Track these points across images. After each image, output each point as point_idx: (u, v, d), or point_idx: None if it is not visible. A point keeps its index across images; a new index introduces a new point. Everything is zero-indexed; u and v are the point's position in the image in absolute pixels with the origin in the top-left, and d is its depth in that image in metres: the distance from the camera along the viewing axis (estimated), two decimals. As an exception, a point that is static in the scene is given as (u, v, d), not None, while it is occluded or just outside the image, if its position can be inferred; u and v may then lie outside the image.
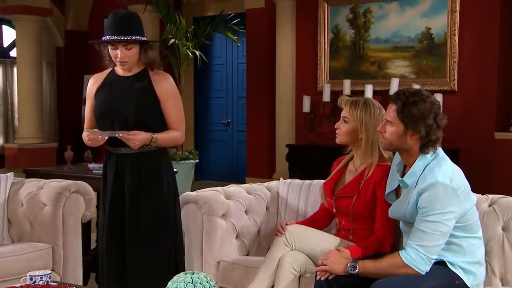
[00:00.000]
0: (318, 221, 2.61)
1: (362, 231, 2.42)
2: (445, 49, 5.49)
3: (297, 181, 3.00)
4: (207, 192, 2.87)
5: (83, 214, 3.15)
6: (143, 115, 2.56)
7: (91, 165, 4.10)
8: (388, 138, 2.18)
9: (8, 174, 3.27)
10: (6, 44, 8.76)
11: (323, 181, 2.67)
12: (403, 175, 2.21)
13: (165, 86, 2.60)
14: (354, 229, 2.45)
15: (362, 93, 5.60)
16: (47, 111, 8.35)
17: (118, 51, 2.51)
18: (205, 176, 7.72)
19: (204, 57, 6.69)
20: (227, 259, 2.76)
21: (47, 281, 2.13)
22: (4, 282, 2.73)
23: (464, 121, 5.32)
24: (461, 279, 2.10)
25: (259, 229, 2.92)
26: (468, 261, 2.12)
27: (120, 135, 2.48)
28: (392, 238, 2.36)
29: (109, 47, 2.54)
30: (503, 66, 5.37)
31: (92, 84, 2.67)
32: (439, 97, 5.12)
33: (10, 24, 8.22)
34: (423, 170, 2.12)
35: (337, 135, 2.51)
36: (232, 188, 2.98)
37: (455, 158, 4.69)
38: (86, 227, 3.62)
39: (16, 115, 8.23)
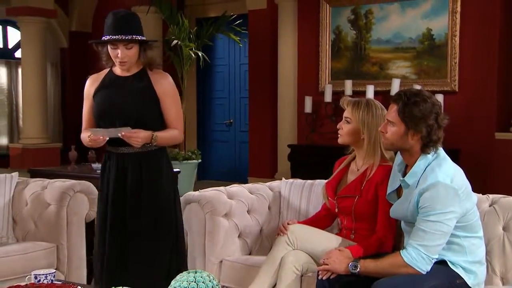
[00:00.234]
0: (320, 220, 2.61)
1: (364, 230, 2.42)
2: (446, 50, 5.48)
3: (299, 181, 3.00)
4: (210, 192, 2.87)
5: (87, 213, 3.16)
6: (145, 114, 2.56)
7: (94, 165, 4.11)
8: (390, 138, 2.18)
9: (13, 174, 3.27)
10: (11, 45, 8.78)
11: (325, 181, 2.67)
12: (404, 175, 2.21)
13: (164, 85, 2.61)
14: (356, 228, 2.45)
15: (363, 93, 5.60)
16: (51, 112, 8.36)
17: (119, 51, 2.51)
18: (207, 176, 7.72)
19: (207, 58, 6.69)
20: (229, 258, 2.76)
21: (52, 280, 2.13)
22: (9, 281, 2.74)
23: (465, 122, 5.31)
24: (462, 278, 2.09)
25: (261, 229, 2.92)
26: (469, 261, 2.11)
27: (123, 133, 2.48)
28: (393, 238, 2.36)
29: (109, 47, 2.53)
30: (504, 66, 5.36)
31: (90, 84, 2.66)
32: (440, 97, 5.11)
33: (15, 25, 8.23)
34: (424, 170, 2.12)
35: (339, 136, 2.51)
36: (235, 188, 2.98)
37: (455, 158, 4.68)
38: (90, 226, 3.62)
39: (20, 115, 8.24)
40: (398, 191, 2.27)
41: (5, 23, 8.57)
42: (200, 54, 6.51)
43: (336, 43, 6.15)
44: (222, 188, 2.94)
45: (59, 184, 3.19)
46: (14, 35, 8.67)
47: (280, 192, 2.99)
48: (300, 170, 5.78)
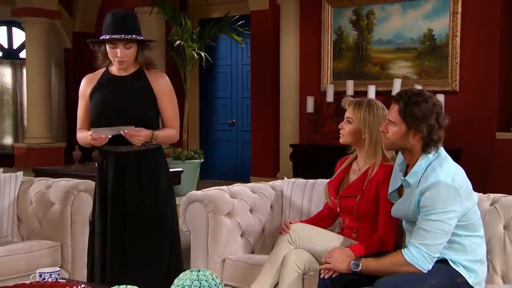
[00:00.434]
0: (322, 220, 2.61)
1: (366, 230, 2.42)
2: (447, 50, 5.47)
3: (301, 180, 3.00)
4: (213, 191, 2.88)
5: (91, 212, 3.16)
6: (145, 113, 2.58)
7: (98, 165, 4.10)
8: (391, 138, 2.18)
9: (18, 173, 3.28)
10: (15, 45, 8.80)
11: (326, 180, 2.67)
12: (405, 174, 2.20)
13: (162, 84, 2.62)
14: (358, 228, 2.45)
15: (365, 93, 5.59)
16: (55, 112, 8.38)
17: (118, 50, 2.51)
18: (210, 175, 7.72)
19: (209, 58, 6.69)
20: (232, 257, 2.76)
21: (56, 278, 2.14)
22: (15, 279, 2.75)
23: (466, 121, 5.31)
24: (463, 277, 2.09)
25: (263, 228, 2.92)
26: (470, 259, 2.11)
27: (126, 131, 2.48)
28: (394, 237, 2.36)
29: (108, 46, 2.53)
30: (504, 67, 5.36)
31: (86, 84, 2.65)
32: (441, 97, 5.11)
33: (19, 26, 8.25)
34: (425, 170, 2.11)
35: (341, 135, 2.51)
36: (237, 187, 2.98)
37: (456, 158, 4.67)
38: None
39: (25, 115, 8.26)
40: (400, 191, 2.27)
41: (10, 24, 8.59)
42: (202, 55, 6.51)
43: (337, 43, 6.14)
44: (224, 187, 2.94)
45: (63, 183, 3.20)
46: (18, 36, 8.68)
47: (282, 192, 2.99)
48: (302, 169, 5.78)
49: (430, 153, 2.13)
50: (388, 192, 2.31)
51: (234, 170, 7.67)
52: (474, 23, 5.36)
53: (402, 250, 2.09)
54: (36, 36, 7.35)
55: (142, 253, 2.57)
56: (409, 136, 2.13)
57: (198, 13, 7.70)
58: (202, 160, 6.63)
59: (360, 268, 2.12)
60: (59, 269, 2.21)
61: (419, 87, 5.01)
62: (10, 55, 8.69)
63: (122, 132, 2.48)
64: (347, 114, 2.49)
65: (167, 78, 2.66)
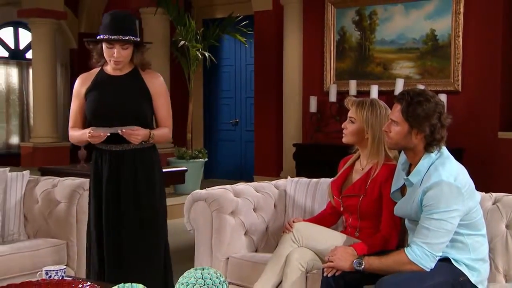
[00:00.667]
0: (326, 218, 2.61)
1: (369, 229, 2.42)
2: (449, 50, 5.46)
3: (304, 179, 3.00)
4: (217, 190, 2.88)
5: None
6: (141, 112, 2.60)
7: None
8: (393, 137, 2.17)
9: (24, 172, 3.29)
10: (22, 46, 8.82)
11: (329, 179, 2.67)
12: (408, 173, 2.20)
13: (157, 84, 2.65)
14: (361, 226, 2.44)
15: (367, 93, 5.59)
16: (61, 111, 8.39)
17: (115, 51, 2.52)
18: (214, 174, 7.72)
19: (213, 58, 6.70)
20: (236, 255, 2.76)
21: (62, 276, 2.14)
22: (21, 277, 2.76)
23: (468, 121, 5.29)
24: (465, 275, 2.09)
25: (267, 226, 2.92)
26: (472, 258, 2.10)
27: (124, 130, 2.50)
28: (397, 236, 2.35)
29: (105, 46, 2.55)
30: (506, 66, 5.34)
31: (81, 84, 2.66)
32: (443, 97, 5.10)
33: (26, 27, 8.27)
34: (428, 169, 2.11)
35: (343, 135, 2.50)
36: (241, 186, 2.98)
37: (459, 157, 4.65)
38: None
39: (31, 115, 8.28)
40: (402, 190, 2.26)
41: (17, 24, 8.62)
42: (206, 55, 6.52)
43: (340, 43, 6.14)
44: (228, 186, 2.94)
45: (69, 182, 3.21)
46: (25, 37, 8.71)
47: (286, 191, 2.99)
48: (305, 168, 5.78)
49: (432, 153, 2.13)
50: (391, 191, 2.30)
51: (237, 169, 7.67)
52: (476, 23, 5.35)
53: (405, 248, 2.08)
54: (42, 37, 7.37)
55: (140, 251, 2.58)
56: (411, 135, 2.12)
57: (202, 13, 7.71)
58: (206, 159, 6.63)
59: (363, 266, 2.12)
60: (65, 267, 2.21)
61: (421, 87, 5.00)
62: (17, 56, 8.71)
63: (120, 131, 2.50)
64: (350, 114, 2.49)
65: (161, 79, 2.69)
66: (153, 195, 2.62)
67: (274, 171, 6.59)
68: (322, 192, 2.83)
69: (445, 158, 2.13)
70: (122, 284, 1.80)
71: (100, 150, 2.62)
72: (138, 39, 2.58)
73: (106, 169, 2.59)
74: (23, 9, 7.43)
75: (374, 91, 5.59)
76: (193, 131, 7.10)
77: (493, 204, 2.42)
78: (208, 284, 1.74)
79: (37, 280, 2.07)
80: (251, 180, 5.81)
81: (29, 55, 8.41)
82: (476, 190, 2.16)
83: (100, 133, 2.50)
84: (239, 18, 6.65)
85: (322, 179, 2.91)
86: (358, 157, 2.54)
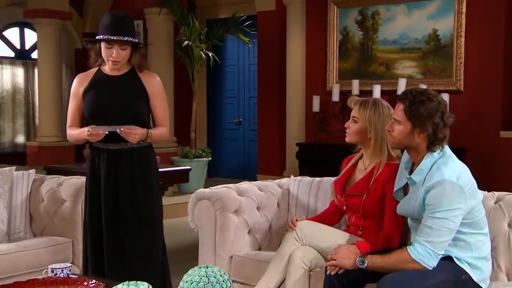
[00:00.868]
0: (328, 217, 2.61)
1: (371, 227, 2.42)
2: (451, 50, 5.45)
3: (307, 178, 3.00)
4: (220, 189, 2.88)
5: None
6: (139, 111, 2.62)
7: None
8: (396, 136, 2.17)
9: (30, 171, 3.30)
10: (27, 46, 8.84)
11: (332, 178, 2.67)
12: (411, 172, 2.20)
13: (154, 84, 2.67)
14: (364, 225, 2.44)
15: (370, 93, 5.58)
16: (66, 111, 8.41)
17: (114, 51, 2.54)
18: (217, 173, 7.73)
19: (217, 58, 6.70)
20: (239, 253, 2.76)
21: (68, 274, 2.15)
22: (27, 274, 2.76)
23: (470, 120, 5.28)
24: (468, 274, 2.08)
25: (270, 225, 2.92)
26: (475, 257, 2.10)
27: (122, 129, 2.51)
28: (400, 234, 2.35)
29: (104, 46, 2.56)
30: (508, 66, 5.32)
31: (78, 84, 2.68)
32: (445, 97, 5.08)
33: (31, 27, 8.29)
34: (431, 168, 2.11)
35: (346, 134, 2.50)
36: (244, 185, 2.99)
37: (461, 157, 4.64)
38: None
39: (37, 114, 8.30)
40: (405, 189, 2.26)
41: (23, 25, 8.64)
42: (210, 55, 6.52)
43: (343, 43, 6.13)
44: (232, 185, 2.94)
45: (74, 181, 3.22)
46: (30, 37, 8.73)
47: (289, 189, 2.99)
48: (308, 167, 5.77)
49: (435, 152, 2.12)
50: (394, 190, 2.30)
51: (241, 168, 7.67)
52: (478, 23, 5.33)
53: (408, 247, 2.08)
54: (48, 37, 7.38)
55: (138, 249, 2.60)
56: (414, 134, 2.12)
57: (205, 14, 7.71)
58: (210, 158, 6.64)
59: (365, 265, 2.12)
60: (70, 264, 2.22)
61: (424, 86, 4.99)
62: (22, 56, 8.74)
63: (118, 130, 2.51)
64: (353, 114, 2.49)
65: (158, 79, 2.71)
66: (150, 193, 2.65)
67: (277, 170, 6.59)
68: (325, 191, 2.83)
69: (448, 157, 2.12)
70: (127, 282, 1.81)
71: (98, 149, 2.64)
72: (136, 40, 2.60)
73: (104, 168, 2.61)
74: (28, 9, 7.44)
75: (377, 91, 5.58)
76: (197, 131, 7.10)
77: (495, 203, 2.41)
78: (212, 282, 1.74)
79: (43, 278, 2.07)
80: (254, 179, 5.80)
81: (34, 55, 8.44)
82: (478, 189, 2.16)
83: (99, 131, 2.52)
84: (243, 18, 6.65)
85: (325, 178, 2.91)
86: (361, 157, 2.54)
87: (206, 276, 1.75)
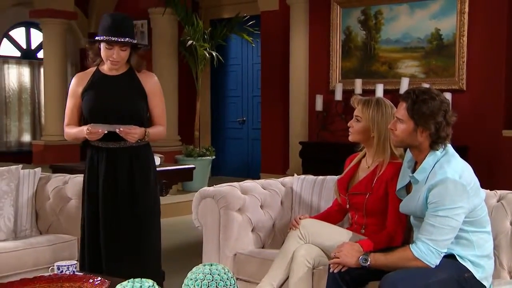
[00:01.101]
0: (332, 215, 2.60)
1: (374, 226, 2.41)
2: (454, 50, 5.43)
3: (311, 177, 2.99)
4: (224, 187, 2.88)
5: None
6: (138, 111, 2.63)
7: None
8: (399, 135, 2.16)
9: (36, 169, 3.31)
10: (33, 46, 8.87)
11: (335, 177, 2.66)
12: (413, 171, 2.19)
13: (152, 84, 2.68)
14: (367, 224, 2.44)
15: (373, 92, 5.57)
16: (71, 110, 8.43)
17: (114, 52, 2.55)
18: (221, 172, 7.73)
19: (221, 58, 6.70)
20: (243, 251, 2.76)
21: (73, 271, 2.15)
22: (33, 272, 2.78)
23: (473, 119, 5.26)
24: (470, 272, 2.08)
25: (274, 223, 2.92)
26: (477, 255, 2.09)
27: (121, 129, 2.52)
28: (403, 233, 2.34)
29: (104, 47, 2.57)
30: (511, 65, 5.30)
31: (77, 83, 2.68)
32: (448, 96, 5.07)
33: (37, 27, 8.31)
34: (433, 166, 2.10)
35: (349, 133, 2.50)
36: (248, 183, 2.99)
37: (464, 155, 4.62)
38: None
39: (42, 113, 8.32)
40: (408, 187, 2.25)
41: (29, 25, 8.66)
42: (214, 54, 6.52)
43: (346, 43, 6.12)
44: (236, 183, 2.94)
45: (79, 179, 3.21)
46: (36, 37, 8.75)
47: (292, 188, 2.99)
48: (311, 166, 5.77)
49: (438, 150, 2.12)
50: (397, 189, 2.30)
51: (244, 167, 7.67)
52: (481, 23, 5.31)
53: (410, 245, 2.08)
54: (53, 37, 7.40)
55: (139, 244, 2.61)
56: (417, 133, 2.11)
57: (209, 13, 7.71)
58: (214, 157, 6.64)
59: (368, 262, 2.12)
60: (76, 262, 2.23)
61: (426, 85, 4.97)
62: (28, 55, 8.76)
63: (117, 130, 2.52)
64: (356, 113, 2.48)
65: (156, 78, 2.73)
66: (149, 191, 2.66)
67: (281, 169, 6.59)
68: (328, 190, 2.82)
69: (450, 156, 2.12)
70: (131, 279, 1.81)
71: (96, 148, 2.65)
72: (135, 41, 2.61)
73: (103, 166, 2.62)
74: (34, 9, 7.46)
75: (380, 90, 5.57)
76: (201, 129, 7.11)
77: (498, 201, 2.41)
78: (216, 279, 1.74)
79: (49, 275, 2.08)
80: (258, 178, 5.80)
81: (40, 54, 8.46)
82: (481, 188, 2.15)
83: (98, 130, 2.53)
84: (246, 18, 6.64)
85: (328, 177, 2.90)
86: (364, 155, 2.53)
87: (210, 274, 1.75)
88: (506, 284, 2.21)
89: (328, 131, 6.19)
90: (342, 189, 2.53)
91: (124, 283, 1.74)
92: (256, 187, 2.94)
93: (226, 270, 1.79)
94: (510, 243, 2.31)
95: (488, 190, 2.42)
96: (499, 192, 2.45)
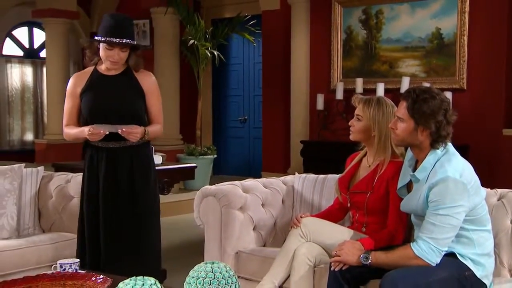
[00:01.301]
0: (333, 214, 2.60)
1: (375, 224, 2.41)
2: (454, 49, 5.43)
3: (312, 175, 2.99)
4: (226, 186, 2.88)
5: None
6: (137, 110, 2.64)
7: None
8: (400, 134, 2.16)
9: (39, 168, 3.31)
10: (36, 45, 8.88)
11: (336, 175, 2.66)
12: (414, 170, 2.19)
13: (150, 83, 2.69)
14: (368, 222, 2.44)
15: (374, 91, 5.56)
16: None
17: (115, 53, 2.55)
18: (222, 171, 7.73)
19: (222, 57, 6.70)
20: (244, 250, 2.76)
21: (76, 269, 2.16)
22: (36, 269, 2.78)
23: (473, 118, 5.26)
24: (471, 270, 2.07)
25: (275, 222, 2.92)
26: (478, 253, 2.09)
27: (124, 129, 2.52)
28: (404, 231, 2.34)
29: (105, 47, 2.57)
30: (511, 65, 5.29)
31: (75, 84, 2.68)
32: (448, 95, 5.06)
33: (40, 26, 8.32)
34: (434, 165, 2.10)
35: (351, 132, 2.49)
36: (250, 182, 2.98)
37: (464, 154, 4.60)
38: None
39: (45, 112, 8.33)
40: (409, 186, 2.25)
41: (31, 24, 8.67)
42: (215, 53, 6.52)
43: (347, 42, 6.11)
44: (237, 182, 2.94)
45: (81, 177, 3.22)
46: (39, 36, 8.76)
47: (294, 186, 2.99)
48: (312, 165, 5.77)
49: (438, 149, 2.11)
50: (397, 187, 2.30)
51: (245, 166, 7.67)
52: (481, 22, 5.31)
53: (411, 244, 2.08)
54: (56, 36, 7.41)
55: (139, 244, 2.61)
56: (417, 132, 2.11)
57: (211, 13, 7.70)
58: (215, 156, 6.64)
59: (369, 261, 2.11)
60: (78, 260, 2.23)
61: (427, 85, 4.96)
62: (31, 55, 8.77)
63: (119, 131, 2.52)
64: (357, 112, 2.48)
65: (153, 77, 2.74)
66: (149, 191, 2.66)
67: (282, 168, 6.58)
68: (329, 188, 2.82)
69: (451, 155, 2.11)
70: (134, 277, 1.81)
71: (96, 148, 2.65)
72: (135, 42, 2.62)
73: (103, 166, 2.62)
74: (37, 9, 7.47)
75: (380, 89, 5.57)
76: (202, 128, 7.11)
77: (498, 200, 2.40)
78: (218, 277, 1.74)
79: (52, 273, 2.08)
80: (259, 177, 5.80)
81: (43, 54, 8.46)
82: (481, 186, 2.15)
83: (100, 131, 2.53)
84: (247, 17, 6.64)
85: (329, 175, 2.90)
86: (365, 154, 2.53)
87: (212, 272, 1.75)
88: (507, 282, 2.21)
89: (329, 130, 6.18)
90: (343, 188, 2.53)
91: (126, 281, 1.74)
92: (257, 186, 2.94)
93: (228, 268, 1.79)
94: (511, 242, 2.31)
95: (489, 189, 2.42)
96: (499, 190, 2.45)
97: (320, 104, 6.10)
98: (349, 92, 5.72)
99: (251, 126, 7.71)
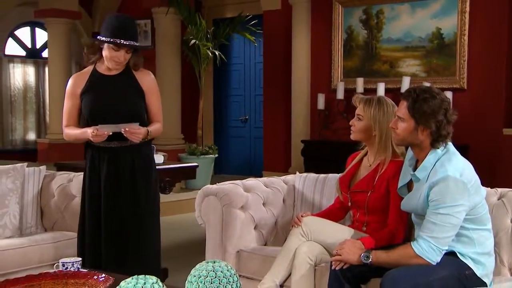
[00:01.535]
0: (333, 213, 2.60)
1: (376, 223, 2.41)
2: (455, 49, 5.42)
3: (313, 175, 2.99)
4: (227, 185, 2.88)
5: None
6: (138, 110, 2.64)
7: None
8: (400, 134, 2.16)
9: (41, 167, 3.32)
10: (38, 45, 8.88)
11: (337, 175, 2.66)
12: (415, 169, 2.19)
13: (149, 82, 2.69)
14: (368, 221, 2.44)
15: (374, 91, 5.56)
16: (76, 109, 8.44)
17: (121, 54, 2.55)
18: (224, 170, 7.73)
19: (223, 57, 6.70)
20: (246, 248, 2.76)
21: (78, 268, 2.16)
22: (39, 268, 2.78)
23: (473, 118, 5.26)
24: (471, 269, 2.07)
25: (276, 221, 2.92)
26: (478, 252, 2.09)
27: (127, 129, 2.53)
28: (404, 231, 2.34)
29: (110, 48, 2.56)
30: (511, 64, 5.29)
31: (74, 84, 2.68)
32: (449, 94, 5.06)
33: (42, 26, 8.33)
34: (434, 165, 2.10)
35: (351, 132, 2.50)
36: (251, 181, 2.99)
37: (464, 154, 4.60)
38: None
39: (47, 112, 8.34)
40: (409, 185, 2.25)
41: (34, 24, 8.68)
42: (217, 53, 6.52)
43: (348, 42, 6.11)
44: (238, 181, 2.94)
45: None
46: (41, 36, 8.77)
47: (294, 186, 2.99)
48: (312, 164, 5.77)
49: (438, 148, 2.11)
50: (398, 187, 2.29)
51: (247, 165, 7.67)
52: (481, 22, 5.30)
53: (411, 242, 2.08)
54: (58, 36, 7.42)
55: (139, 243, 2.61)
56: (418, 131, 2.11)
57: (212, 13, 7.70)
58: (216, 155, 6.65)
59: (370, 260, 2.12)
60: (80, 259, 2.23)
61: (427, 84, 4.96)
62: (33, 55, 8.78)
63: (122, 130, 2.52)
64: (357, 111, 2.48)
65: (152, 76, 2.74)
66: (150, 190, 2.66)
67: (283, 167, 6.58)
68: (330, 187, 2.82)
69: (451, 154, 2.11)
70: (135, 276, 1.81)
71: (97, 148, 2.64)
72: (138, 44, 2.62)
73: (105, 166, 2.62)
74: (39, 9, 7.48)
75: (381, 89, 5.57)
76: (204, 128, 7.11)
77: (498, 199, 2.40)
78: (219, 276, 1.74)
79: (54, 272, 2.08)
80: (260, 176, 5.80)
81: (45, 54, 8.47)
82: (481, 186, 2.15)
83: (104, 132, 2.53)
84: (249, 17, 6.64)
85: (330, 175, 2.90)
86: (366, 154, 2.53)
87: (213, 271, 1.75)
88: (507, 281, 2.21)
89: (329, 129, 6.18)
90: (344, 187, 2.53)
91: (128, 279, 1.74)
92: (258, 185, 2.94)
93: (229, 267, 1.79)
94: (511, 241, 2.31)
95: (489, 188, 2.41)
96: (499, 190, 2.45)
97: (321, 104, 6.10)
98: (349, 92, 5.72)
99: (252, 126, 7.71)
